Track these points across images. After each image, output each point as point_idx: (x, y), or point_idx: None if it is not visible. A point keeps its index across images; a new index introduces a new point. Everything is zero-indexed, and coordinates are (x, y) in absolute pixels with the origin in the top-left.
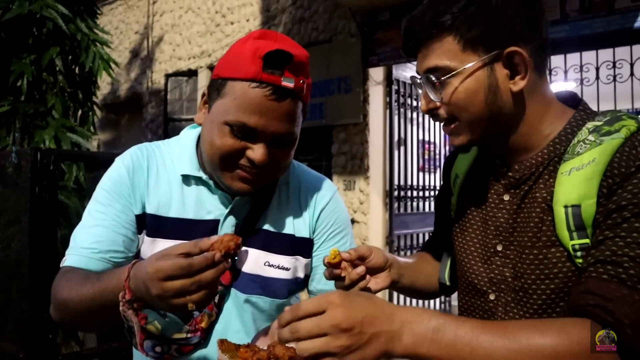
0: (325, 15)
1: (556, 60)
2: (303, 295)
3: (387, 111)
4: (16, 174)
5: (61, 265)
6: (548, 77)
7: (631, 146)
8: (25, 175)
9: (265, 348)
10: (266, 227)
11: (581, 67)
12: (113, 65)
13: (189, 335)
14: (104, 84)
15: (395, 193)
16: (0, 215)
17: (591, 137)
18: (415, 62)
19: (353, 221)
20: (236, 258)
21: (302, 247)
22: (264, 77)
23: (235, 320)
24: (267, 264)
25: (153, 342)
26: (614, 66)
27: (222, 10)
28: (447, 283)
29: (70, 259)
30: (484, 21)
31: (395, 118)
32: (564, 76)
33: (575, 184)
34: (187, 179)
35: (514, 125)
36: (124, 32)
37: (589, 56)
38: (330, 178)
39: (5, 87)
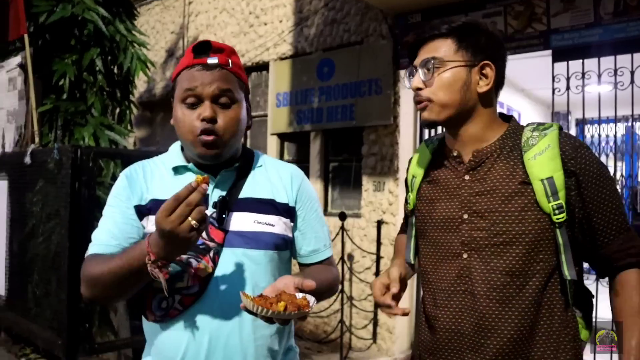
0: (357, 17)
1: (589, 64)
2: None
3: (417, 113)
4: (57, 170)
5: (85, 256)
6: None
7: (564, 134)
8: (66, 171)
9: (274, 297)
10: (249, 195)
11: (615, 70)
12: (149, 65)
13: (189, 283)
14: (140, 82)
15: None
16: (41, 208)
17: (536, 133)
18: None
19: (382, 222)
20: (224, 216)
21: (282, 210)
22: (194, 61)
23: (234, 273)
24: (255, 221)
25: (159, 299)
26: None
27: (256, 11)
28: (412, 262)
29: (92, 249)
30: (473, 37)
31: None
32: (598, 80)
33: (544, 163)
34: (177, 170)
35: (473, 118)
36: (160, 32)
37: (623, 60)
38: (360, 179)
39: (48, 87)
